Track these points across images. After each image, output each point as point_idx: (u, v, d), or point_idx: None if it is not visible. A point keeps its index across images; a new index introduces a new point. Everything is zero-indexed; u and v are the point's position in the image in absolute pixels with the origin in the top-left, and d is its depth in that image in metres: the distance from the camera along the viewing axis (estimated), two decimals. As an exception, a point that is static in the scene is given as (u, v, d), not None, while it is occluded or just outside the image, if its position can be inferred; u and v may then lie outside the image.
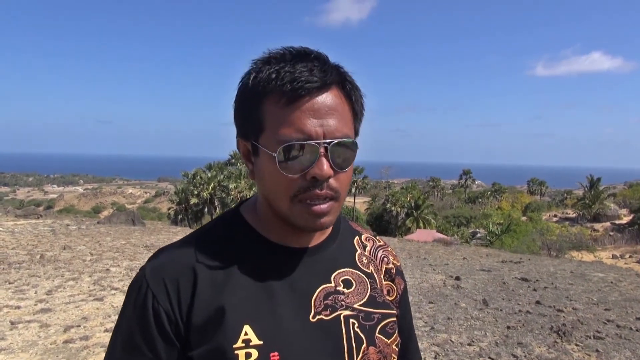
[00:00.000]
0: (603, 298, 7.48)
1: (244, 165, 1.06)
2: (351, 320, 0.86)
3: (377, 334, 0.88)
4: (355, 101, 0.83)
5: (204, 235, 0.89)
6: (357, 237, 1.00)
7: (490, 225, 36.19)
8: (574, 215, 49.47)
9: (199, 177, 32.84)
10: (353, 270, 0.92)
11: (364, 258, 0.97)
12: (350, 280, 0.91)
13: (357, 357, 0.84)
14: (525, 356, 4.81)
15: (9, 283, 7.26)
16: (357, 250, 0.97)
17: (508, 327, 5.71)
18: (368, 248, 0.99)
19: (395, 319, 0.94)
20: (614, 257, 28.77)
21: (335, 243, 0.93)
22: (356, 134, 0.85)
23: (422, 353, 4.78)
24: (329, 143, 0.76)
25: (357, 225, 1.04)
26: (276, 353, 0.78)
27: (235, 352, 0.77)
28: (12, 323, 5.40)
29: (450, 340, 5.24)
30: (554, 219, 49.30)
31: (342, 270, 0.91)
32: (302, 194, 0.78)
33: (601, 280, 9.11)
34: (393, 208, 42.38)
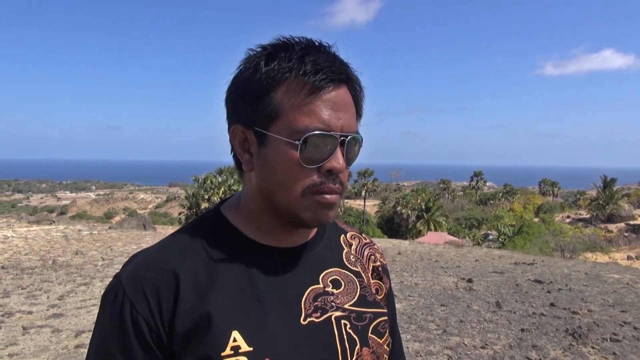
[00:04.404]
0: (619, 300, 7.34)
1: None
2: (343, 321, 0.84)
3: (369, 334, 0.86)
4: (360, 102, 0.84)
5: (184, 237, 0.84)
6: (342, 235, 0.98)
7: (503, 227, 35.85)
8: (588, 216, 48.93)
9: (209, 181, 32.94)
10: (341, 270, 0.90)
11: (351, 256, 0.95)
12: (339, 280, 0.89)
13: (351, 359, 0.82)
14: (540, 359, 4.73)
15: (22, 288, 7.33)
16: (343, 249, 0.95)
17: (522, 330, 5.62)
18: (354, 246, 0.97)
19: (386, 318, 0.92)
20: (629, 258, 28.33)
21: (322, 242, 0.91)
22: None
23: (434, 356, 4.72)
24: (346, 137, 0.76)
25: (342, 223, 1.03)
26: (268, 359, 0.74)
27: None
28: (24, 328, 5.44)
29: (463, 343, 5.17)
30: (567, 220, 48.82)
31: (330, 270, 0.89)
32: (317, 187, 0.76)
33: (617, 281, 8.95)
34: (404, 211, 42.22)
